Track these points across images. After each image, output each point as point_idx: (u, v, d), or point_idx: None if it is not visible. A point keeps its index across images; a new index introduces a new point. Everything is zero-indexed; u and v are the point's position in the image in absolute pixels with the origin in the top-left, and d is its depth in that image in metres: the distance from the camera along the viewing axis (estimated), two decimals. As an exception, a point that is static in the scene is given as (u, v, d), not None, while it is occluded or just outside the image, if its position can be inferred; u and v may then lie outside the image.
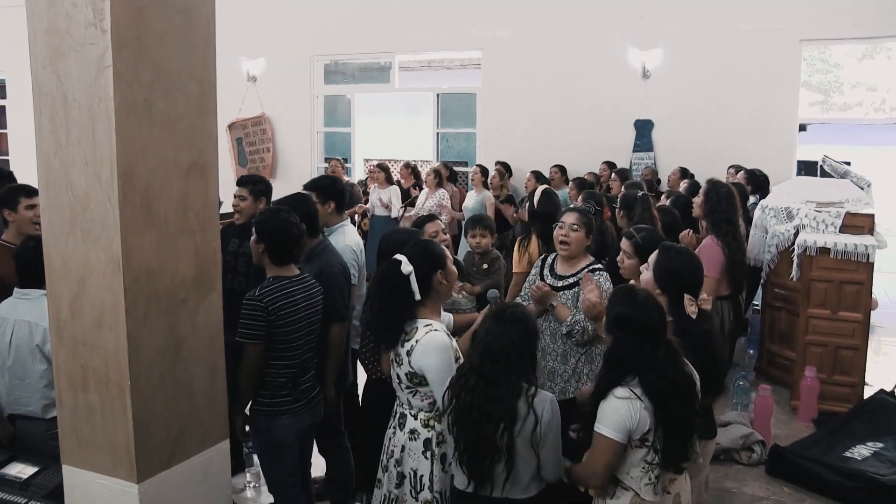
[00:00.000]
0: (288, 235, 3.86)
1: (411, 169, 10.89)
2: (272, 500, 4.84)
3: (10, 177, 5.70)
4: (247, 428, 3.98)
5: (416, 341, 3.32)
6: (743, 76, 10.39)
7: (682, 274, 3.56)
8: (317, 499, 4.69)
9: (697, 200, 5.95)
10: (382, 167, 10.42)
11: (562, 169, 10.45)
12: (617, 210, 5.96)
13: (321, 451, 4.73)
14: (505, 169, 10.50)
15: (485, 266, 5.33)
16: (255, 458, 5.23)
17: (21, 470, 3.45)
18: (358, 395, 5.15)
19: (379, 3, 12.35)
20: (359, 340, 5.03)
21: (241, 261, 4.85)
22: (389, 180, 10.44)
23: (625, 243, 4.23)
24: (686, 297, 3.49)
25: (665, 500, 3.09)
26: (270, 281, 3.82)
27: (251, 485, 5.22)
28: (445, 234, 4.94)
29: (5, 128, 16.86)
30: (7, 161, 15.63)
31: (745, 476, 5.35)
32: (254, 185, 5.10)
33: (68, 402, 3.03)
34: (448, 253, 3.59)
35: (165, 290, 2.95)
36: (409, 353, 3.33)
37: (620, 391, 2.95)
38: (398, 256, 3.42)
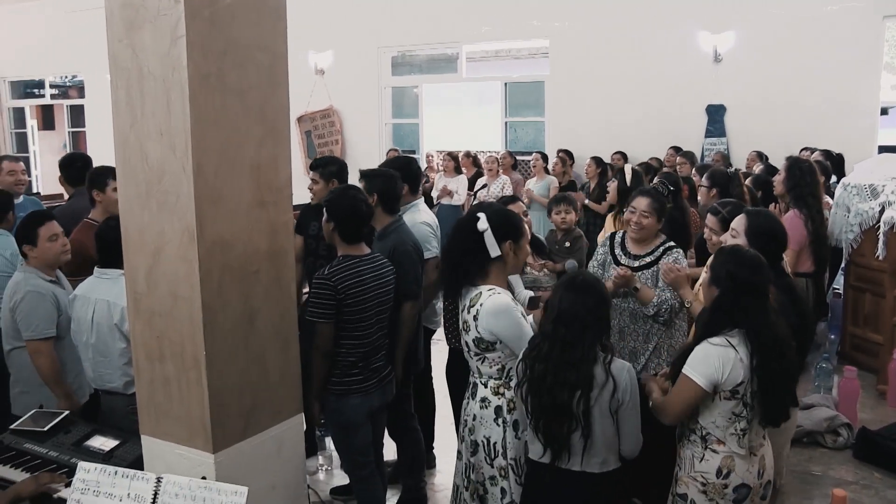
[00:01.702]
0: (357, 213, 3.85)
1: (472, 158, 10.93)
2: (344, 482, 4.89)
3: (88, 160, 5.85)
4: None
5: (481, 305, 3.30)
6: (820, 57, 10.05)
7: (777, 232, 3.62)
8: (389, 481, 4.69)
9: (779, 178, 5.81)
10: (452, 156, 10.49)
11: (623, 155, 10.32)
12: (701, 188, 5.88)
13: (391, 435, 4.72)
14: (567, 156, 10.48)
15: (567, 244, 5.36)
16: (328, 441, 5.26)
17: (103, 442, 3.51)
18: (431, 379, 5.14)
19: (445, -7, 12.34)
20: (436, 321, 5.04)
21: (323, 244, 4.85)
22: (458, 170, 10.49)
23: (711, 220, 4.21)
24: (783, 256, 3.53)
25: (752, 461, 3.08)
26: (340, 260, 3.82)
27: (323, 468, 5.25)
28: (527, 216, 4.94)
29: (84, 126, 17.35)
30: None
31: (830, 460, 5.17)
32: (324, 167, 5.12)
33: (145, 373, 3.07)
34: (526, 230, 3.55)
35: (238, 261, 2.95)
36: (475, 318, 3.32)
37: (716, 339, 2.99)
38: (478, 213, 3.41)
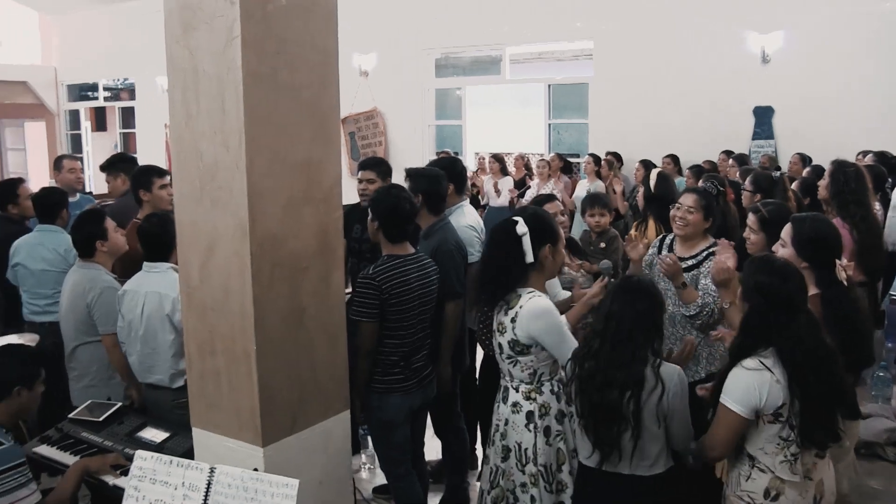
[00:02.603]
0: (400, 211, 3.87)
1: (525, 160, 10.93)
2: (385, 482, 4.92)
3: (133, 161, 5.99)
4: None
5: (521, 307, 3.30)
6: (873, 56, 9.80)
7: (828, 239, 3.43)
8: (433, 480, 4.71)
9: (823, 182, 5.66)
10: (498, 158, 10.56)
11: (674, 158, 10.22)
12: (744, 192, 5.76)
13: (437, 433, 4.75)
14: (615, 159, 10.41)
15: (602, 245, 5.33)
16: (370, 440, 5.30)
17: (154, 434, 3.61)
18: (475, 378, 5.16)
19: (489, -6, 12.34)
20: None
21: (366, 245, 4.87)
22: (504, 171, 10.55)
23: (751, 219, 4.09)
24: (837, 262, 3.34)
25: (807, 486, 2.89)
26: (384, 259, 3.85)
27: (366, 466, 5.29)
28: (563, 215, 4.89)
29: (134, 128, 17.69)
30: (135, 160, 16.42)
31: (893, 473, 4.99)
32: (379, 166, 5.11)
33: (197, 366, 3.13)
34: (562, 233, 3.55)
35: (289, 257, 3.00)
36: (512, 321, 3.31)
37: (749, 362, 2.83)
38: (515, 218, 3.41)
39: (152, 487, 2.48)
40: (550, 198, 4.88)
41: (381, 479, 5.10)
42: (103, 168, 5.85)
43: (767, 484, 2.87)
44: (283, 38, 2.91)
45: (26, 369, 3.35)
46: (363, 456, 5.29)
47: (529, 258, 3.34)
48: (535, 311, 3.27)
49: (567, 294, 4.12)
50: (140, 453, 2.60)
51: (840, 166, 5.45)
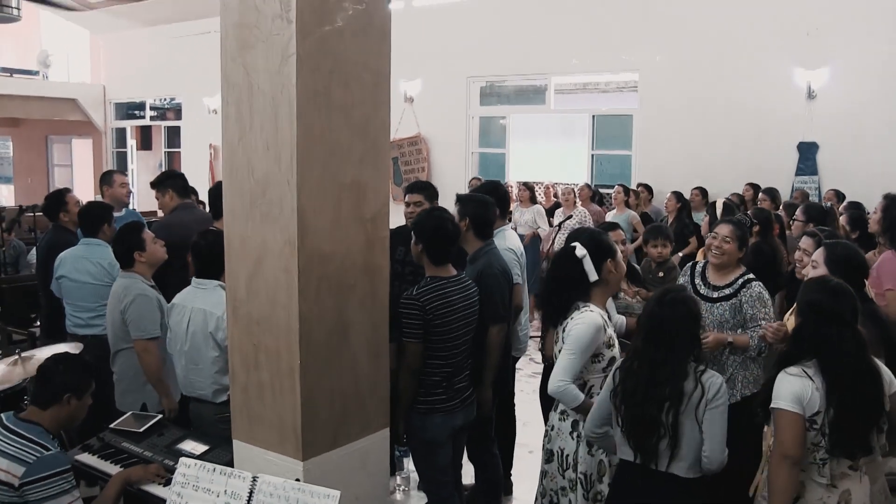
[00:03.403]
0: (444, 233, 3.91)
1: (553, 190, 11.02)
2: (420, 504, 4.92)
3: (182, 177, 6.11)
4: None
5: (572, 318, 3.46)
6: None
7: (859, 260, 3.67)
8: (467, 504, 4.69)
9: (875, 217, 5.67)
10: (527, 186, 10.60)
11: (702, 191, 10.16)
12: (796, 221, 5.82)
13: (470, 458, 4.73)
14: (646, 189, 10.62)
15: (661, 274, 5.44)
16: (406, 462, 5.30)
17: (194, 447, 3.64)
18: (514, 406, 5.15)
19: (535, 25, 12.38)
20: (521, 348, 5.05)
21: (409, 269, 4.90)
22: (533, 199, 10.57)
23: (807, 242, 4.21)
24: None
25: (830, 492, 2.98)
26: (428, 281, 3.88)
27: (401, 488, 5.27)
28: (624, 244, 5.03)
29: (179, 147, 17.99)
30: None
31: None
32: (427, 189, 5.15)
33: (241, 379, 3.17)
34: (615, 246, 3.71)
35: (336, 273, 3.04)
36: (564, 330, 3.45)
37: (792, 369, 2.98)
38: (573, 243, 3.57)
39: (195, 494, 2.50)
40: (614, 226, 5.03)
41: (414, 500, 5.10)
42: (153, 185, 5.97)
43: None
44: (338, 57, 2.96)
45: (78, 378, 3.39)
46: (398, 478, 5.28)
47: (593, 277, 3.53)
48: (581, 320, 3.43)
49: (622, 318, 4.24)
50: (184, 460, 2.62)
51: (893, 200, 5.49)
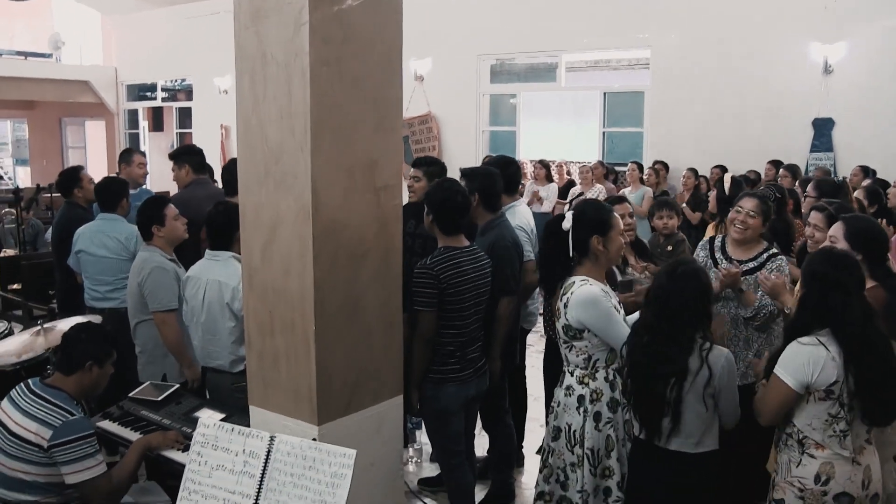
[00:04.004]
0: (453, 203, 3.93)
1: (566, 168, 11.06)
2: (432, 475, 4.97)
3: (200, 153, 6.17)
4: None
5: (572, 294, 3.37)
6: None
7: (878, 233, 3.57)
8: (479, 476, 4.74)
9: (893, 190, 5.67)
10: (543, 164, 10.62)
11: (722, 168, 10.09)
12: (807, 197, 5.79)
13: (485, 428, 4.79)
14: (662, 166, 10.55)
15: (669, 248, 5.42)
16: (418, 433, 5.36)
17: (210, 415, 3.70)
18: (525, 378, 5.20)
19: (546, 2, 12.33)
20: (531, 321, 5.09)
21: (419, 242, 4.93)
22: (549, 177, 10.60)
23: (816, 216, 4.16)
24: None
25: (856, 470, 2.95)
26: (441, 251, 3.91)
27: (413, 460, 5.34)
28: (632, 217, 5.00)
29: (190, 128, 18.04)
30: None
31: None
32: (428, 166, 5.22)
33: (256, 346, 3.22)
34: (618, 223, 3.56)
35: (350, 241, 3.07)
36: (565, 306, 3.39)
37: (806, 339, 2.96)
38: (566, 213, 3.51)
39: (214, 453, 2.56)
40: (620, 199, 5.03)
41: (427, 472, 5.17)
42: (171, 157, 6.04)
43: (818, 469, 2.95)
44: (351, 28, 2.99)
45: (100, 346, 3.47)
46: (410, 449, 5.34)
47: (569, 253, 3.43)
48: (582, 299, 3.34)
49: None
50: (203, 420, 2.68)
51: None
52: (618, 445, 3.40)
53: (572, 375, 3.47)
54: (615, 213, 3.55)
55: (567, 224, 3.43)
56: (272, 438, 2.53)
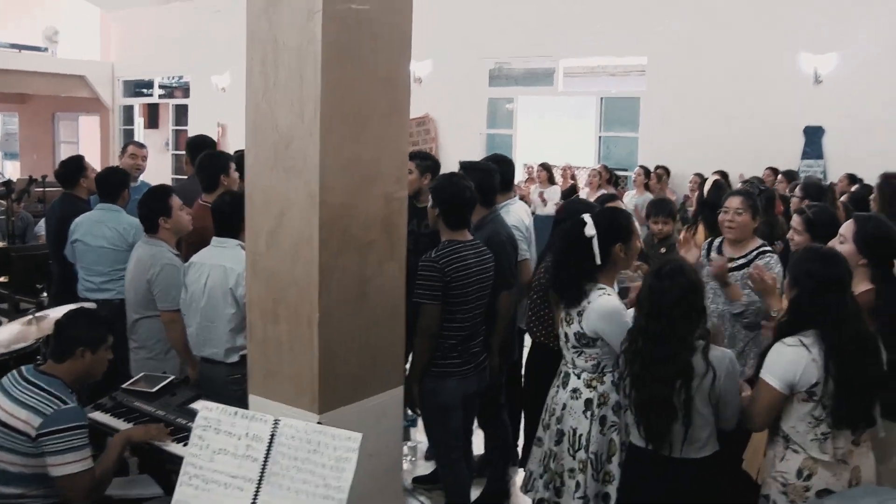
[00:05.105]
0: (461, 199, 3.93)
1: (571, 171, 11.12)
2: (426, 473, 4.95)
3: (213, 144, 6.13)
4: None
5: (589, 302, 3.35)
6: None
7: (890, 236, 3.46)
8: (475, 473, 4.71)
9: (874, 196, 5.68)
10: (545, 167, 10.66)
11: (723, 174, 10.11)
12: (793, 198, 5.82)
13: (481, 425, 4.76)
14: (664, 171, 10.68)
15: (663, 250, 5.40)
16: (412, 431, 5.33)
17: (206, 407, 3.65)
18: (521, 377, 5.17)
19: (545, 7, 12.39)
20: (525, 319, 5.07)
21: (410, 238, 4.92)
22: (551, 180, 10.63)
23: (796, 220, 4.18)
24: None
25: (841, 469, 2.94)
26: (445, 244, 3.90)
27: (408, 458, 5.29)
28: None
29: (186, 125, 17.99)
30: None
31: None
32: (422, 160, 5.19)
33: (258, 333, 3.20)
34: (636, 228, 3.58)
35: (357, 228, 3.06)
36: (580, 314, 3.37)
37: (789, 339, 2.95)
38: (585, 217, 3.45)
39: (216, 437, 2.53)
40: (612, 198, 4.97)
41: (421, 470, 5.14)
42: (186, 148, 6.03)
43: (800, 464, 2.96)
44: (363, 15, 2.98)
45: (92, 332, 3.40)
46: (405, 447, 5.30)
47: (598, 260, 3.40)
48: (603, 312, 3.33)
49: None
50: (206, 404, 2.66)
51: (886, 179, 5.50)
52: (619, 450, 3.38)
53: (579, 378, 3.45)
54: (633, 219, 3.57)
55: (591, 231, 3.39)
56: (276, 422, 2.50)
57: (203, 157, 5.24)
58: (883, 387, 2.94)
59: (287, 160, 2.97)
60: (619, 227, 3.47)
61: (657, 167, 10.74)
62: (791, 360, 2.90)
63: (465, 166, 4.63)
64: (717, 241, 4.44)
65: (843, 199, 6.36)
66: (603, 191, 9.83)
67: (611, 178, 10.76)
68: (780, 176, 9.15)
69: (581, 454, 3.39)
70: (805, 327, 2.94)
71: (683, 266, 3.14)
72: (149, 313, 4.46)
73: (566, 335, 3.49)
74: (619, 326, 3.29)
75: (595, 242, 3.38)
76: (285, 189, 3.00)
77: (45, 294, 6.22)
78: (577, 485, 3.39)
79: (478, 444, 4.85)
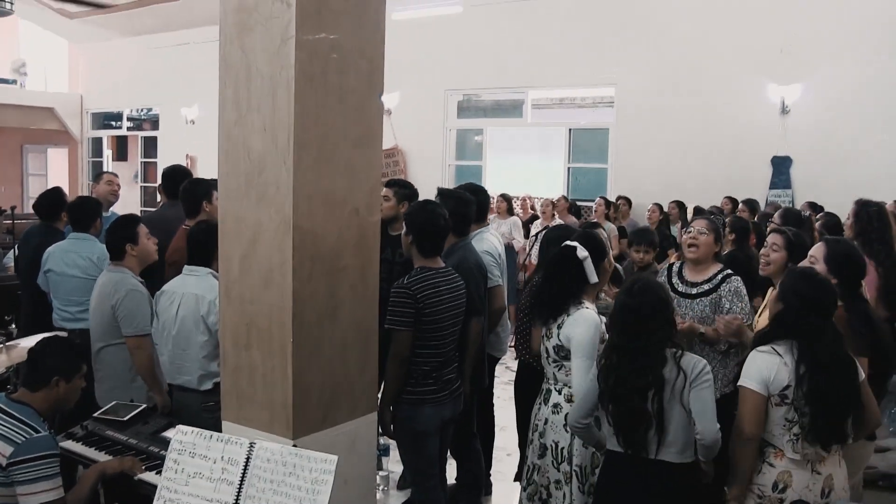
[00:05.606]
0: (435, 227, 3.98)
1: (531, 202, 11.38)
2: (399, 503, 4.93)
3: (189, 173, 6.10)
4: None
5: (568, 315, 3.50)
6: (892, 108, 9.84)
7: (857, 259, 3.71)
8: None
9: (848, 222, 5.78)
10: (505, 198, 10.65)
11: (679, 204, 10.30)
12: (771, 224, 5.92)
13: (453, 454, 4.76)
14: (625, 202, 10.84)
15: None
16: (384, 461, 5.31)
17: (181, 430, 3.62)
18: (493, 406, 5.19)
19: (513, 40, 12.54)
20: (502, 349, 5.10)
21: (384, 267, 4.94)
22: (510, 211, 10.62)
23: (775, 238, 4.24)
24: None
25: (814, 479, 3.07)
26: (418, 270, 3.93)
27: (380, 487, 5.26)
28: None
29: (155, 157, 17.90)
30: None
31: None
32: (400, 187, 5.24)
33: (231, 360, 3.18)
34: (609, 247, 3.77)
35: (329, 254, 3.07)
36: (559, 327, 3.48)
37: (763, 347, 3.11)
38: (571, 243, 3.63)
39: (191, 461, 2.52)
40: (595, 225, 5.09)
41: (393, 500, 5.12)
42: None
43: (776, 477, 3.08)
44: (336, 42, 3.02)
45: (66, 361, 3.38)
46: (377, 476, 5.28)
47: (594, 278, 3.63)
48: (580, 319, 3.50)
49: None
50: (181, 427, 2.65)
51: (864, 206, 5.58)
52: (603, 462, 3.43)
53: (560, 393, 3.53)
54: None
55: (583, 253, 3.61)
56: (252, 445, 2.50)
57: (187, 184, 5.26)
58: (855, 407, 3.07)
59: (260, 186, 2.99)
60: (602, 245, 3.80)
61: (618, 198, 10.90)
62: (764, 364, 3.07)
63: (444, 193, 4.68)
64: (676, 266, 4.50)
65: (818, 226, 6.46)
66: (560, 221, 9.95)
67: (571, 207, 10.82)
68: (741, 206, 9.27)
69: (565, 466, 3.48)
70: (779, 338, 3.09)
71: (652, 281, 3.30)
72: (113, 341, 4.41)
73: (546, 350, 3.63)
74: (588, 335, 3.45)
75: (589, 263, 3.60)
76: (258, 215, 3.00)
77: (13, 326, 6.14)
78: (564, 496, 3.48)
79: (450, 472, 4.84)
